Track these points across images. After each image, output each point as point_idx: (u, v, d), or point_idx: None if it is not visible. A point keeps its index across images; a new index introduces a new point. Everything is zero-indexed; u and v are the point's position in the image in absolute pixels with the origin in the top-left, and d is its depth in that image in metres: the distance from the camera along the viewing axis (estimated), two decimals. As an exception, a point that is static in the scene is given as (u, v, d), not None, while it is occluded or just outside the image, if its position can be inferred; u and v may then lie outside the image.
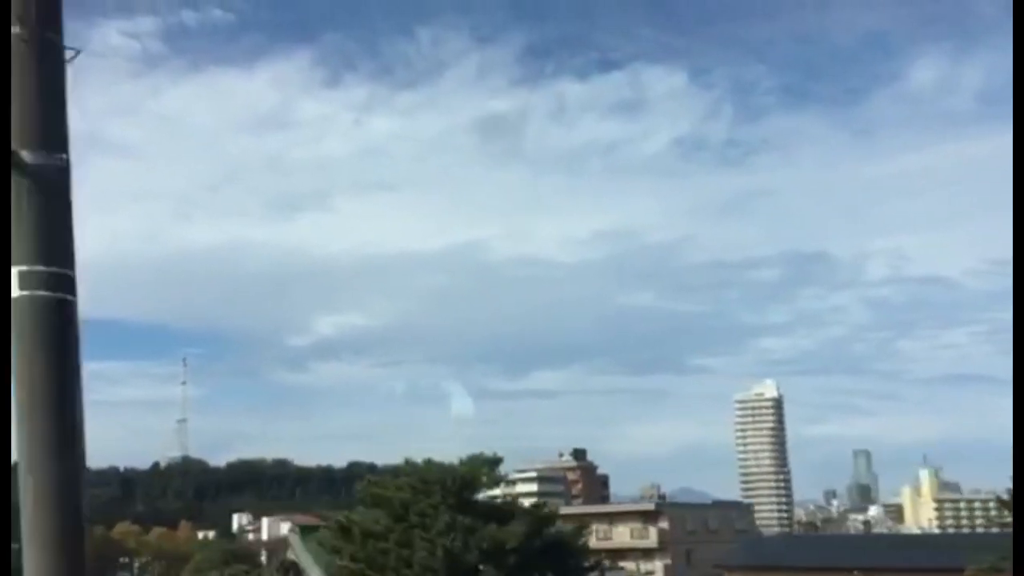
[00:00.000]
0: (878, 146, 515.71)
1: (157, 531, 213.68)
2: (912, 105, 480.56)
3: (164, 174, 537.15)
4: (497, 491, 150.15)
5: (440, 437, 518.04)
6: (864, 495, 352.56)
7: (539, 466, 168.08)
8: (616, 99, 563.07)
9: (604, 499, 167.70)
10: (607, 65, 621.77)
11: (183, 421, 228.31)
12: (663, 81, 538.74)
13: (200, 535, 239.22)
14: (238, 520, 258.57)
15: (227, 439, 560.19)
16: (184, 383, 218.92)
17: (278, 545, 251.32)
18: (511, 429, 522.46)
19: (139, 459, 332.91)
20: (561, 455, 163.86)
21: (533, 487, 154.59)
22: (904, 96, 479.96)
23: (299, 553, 54.64)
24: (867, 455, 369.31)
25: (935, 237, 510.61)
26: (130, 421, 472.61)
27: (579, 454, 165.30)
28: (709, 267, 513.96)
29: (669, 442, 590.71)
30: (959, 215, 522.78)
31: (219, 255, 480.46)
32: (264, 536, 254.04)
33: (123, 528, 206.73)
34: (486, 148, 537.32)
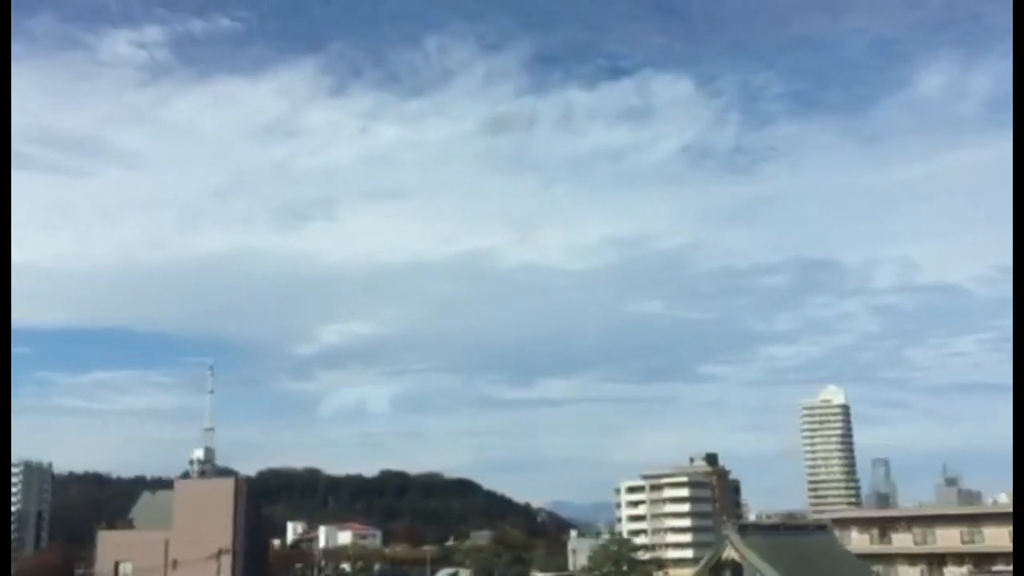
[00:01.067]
0: (886, 153, 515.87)
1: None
2: (920, 112, 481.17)
3: (171, 183, 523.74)
4: (643, 496, 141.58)
5: (453, 446, 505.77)
6: (883, 504, 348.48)
7: (664, 471, 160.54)
8: (624, 106, 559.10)
9: (737, 504, 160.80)
10: (615, 72, 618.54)
11: (211, 430, 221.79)
12: (671, 88, 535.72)
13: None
14: (293, 528, 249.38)
15: (237, 448, 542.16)
16: (212, 391, 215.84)
17: (338, 554, 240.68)
18: (520, 438, 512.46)
19: (159, 468, 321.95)
20: (692, 460, 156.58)
21: (684, 492, 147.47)
22: (912, 103, 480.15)
23: (742, 550, 47.26)
24: (886, 464, 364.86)
25: (944, 244, 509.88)
26: (142, 430, 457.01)
27: (712, 459, 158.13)
28: (717, 274, 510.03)
29: (676, 450, 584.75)
30: (968, 222, 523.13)
31: (226, 264, 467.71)
32: (322, 544, 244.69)
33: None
34: (493, 156, 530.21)
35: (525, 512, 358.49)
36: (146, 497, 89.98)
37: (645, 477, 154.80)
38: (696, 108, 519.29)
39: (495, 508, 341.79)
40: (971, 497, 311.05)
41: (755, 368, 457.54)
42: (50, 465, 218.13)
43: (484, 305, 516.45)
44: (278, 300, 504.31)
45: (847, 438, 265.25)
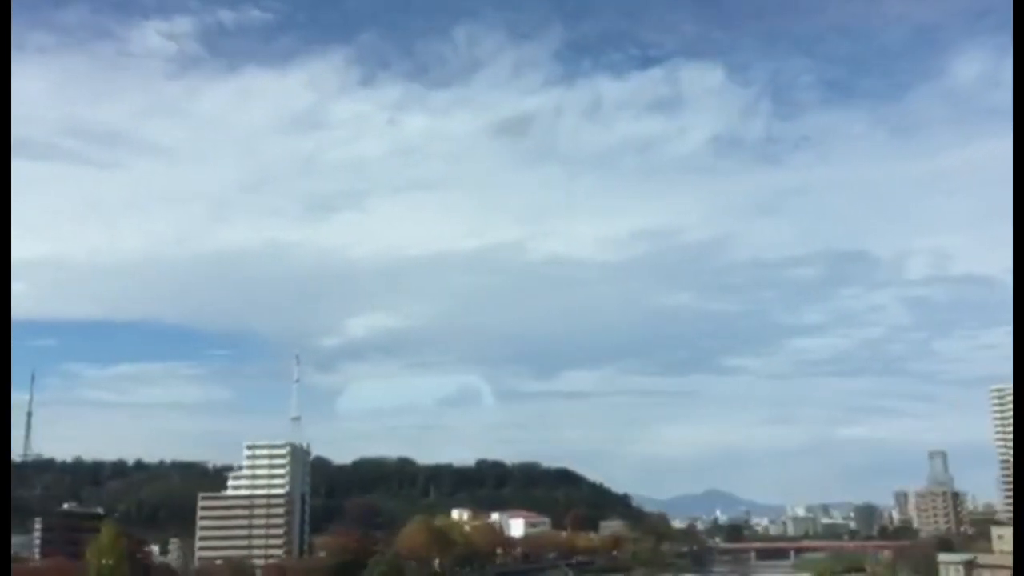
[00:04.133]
0: (920, 142, 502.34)
1: (471, 524, 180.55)
2: (956, 101, 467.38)
3: (199, 175, 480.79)
4: None
5: (485, 438, 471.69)
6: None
7: None
8: (653, 96, 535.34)
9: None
10: (645, 62, 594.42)
11: (297, 419, 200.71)
12: (702, 77, 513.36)
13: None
14: (458, 515, 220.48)
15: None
16: (297, 381, 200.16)
17: (530, 543, 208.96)
18: (553, 431, 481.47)
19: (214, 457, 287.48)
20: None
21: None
22: (948, 92, 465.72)
23: None
24: (943, 456, 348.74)
25: (977, 235, 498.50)
26: (176, 421, 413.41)
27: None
28: (746, 266, 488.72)
29: (698, 444, 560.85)
30: (1002, 212, 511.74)
31: (253, 257, 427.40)
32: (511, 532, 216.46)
33: (444, 520, 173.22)
34: (521, 147, 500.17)
35: (625, 503, 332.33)
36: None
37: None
38: (727, 97, 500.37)
39: (599, 499, 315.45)
40: None
41: (783, 361, 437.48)
42: (308, 446, 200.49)
43: (510, 297, 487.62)
44: (304, 293, 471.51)
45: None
